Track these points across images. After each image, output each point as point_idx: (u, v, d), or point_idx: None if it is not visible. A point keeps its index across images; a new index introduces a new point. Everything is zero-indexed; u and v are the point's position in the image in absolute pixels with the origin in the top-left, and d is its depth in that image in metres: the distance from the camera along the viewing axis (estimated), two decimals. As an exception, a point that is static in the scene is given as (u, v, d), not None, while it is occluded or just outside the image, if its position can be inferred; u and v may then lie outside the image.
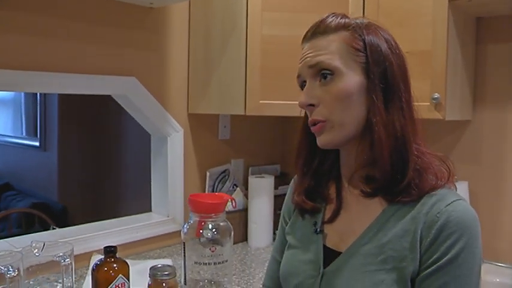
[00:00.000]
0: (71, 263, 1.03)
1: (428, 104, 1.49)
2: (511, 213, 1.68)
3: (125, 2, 1.63)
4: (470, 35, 1.68)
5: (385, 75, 0.82)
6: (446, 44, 1.47)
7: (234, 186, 2.04)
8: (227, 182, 2.02)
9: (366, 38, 0.83)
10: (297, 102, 0.87)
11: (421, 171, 0.81)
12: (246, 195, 1.99)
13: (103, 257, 1.15)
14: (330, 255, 0.87)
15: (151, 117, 1.78)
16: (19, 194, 3.95)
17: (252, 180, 1.95)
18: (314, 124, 0.85)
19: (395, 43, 0.86)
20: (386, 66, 0.82)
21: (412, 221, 0.79)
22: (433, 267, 0.77)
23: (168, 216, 1.88)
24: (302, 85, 0.88)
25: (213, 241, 1.22)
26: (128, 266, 1.18)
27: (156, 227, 1.83)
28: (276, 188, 2.01)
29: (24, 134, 4.28)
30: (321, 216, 0.92)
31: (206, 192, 1.98)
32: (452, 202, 0.78)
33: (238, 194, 1.96)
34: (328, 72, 0.82)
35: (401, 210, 0.82)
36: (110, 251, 1.15)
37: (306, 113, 0.90)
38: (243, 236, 1.96)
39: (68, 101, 3.66)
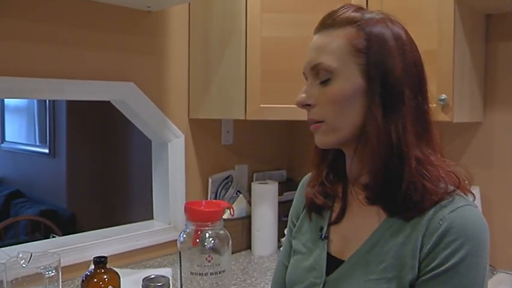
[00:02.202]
0: (57, 274, 0.99)
1: (435, 105, 1.43)
2: (526, 219, 1.60)
3: (121, 6, 1.60)
4: (479, 33, 1.61)
5: (386, 79, 0.76)
6: (453, 42, 1.41)
7: (238, 193, 1.99)
8: (230, 189, 1.98)
9: (371, 36, 0.77)
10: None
11: (423, 183, 0.75)
12: (249, 202, 1.94)
13: (93, 267, 1.11)
14: (333, 262, 0.84)
15: (151, 122, 1.75)
16: (29, 201, 3.96)
17: (255, 186, 1.89)
18: (311, 122, 0.83)
19: (409, 40, 0.80)
20: (387, 69, 0.76)
21: (414, 228, 0.75)
22: (429, 275, 0.71)
23: (169, 224, 1.84)
24: (307, 78, 0.85)
25: (210, 250, 1.18)
26: (119, 277, 1.14)
27: (156, 235, 1.79)
28: (281, 194, 1.96)
29: (37, 141, 4.30)
30: (327, 220, 0.89)
31: (209, 199, 1.94)
32: (457, 208, 0.73)
33: (241, 201, 1.92)
34: (325, 74, 0.79)
35: (403, 219, 0.77)
36: (100, 262, 1.11)
37: None
38: (246, 244, 1.91)
39: (76, 108, 3.66)
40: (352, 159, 0.84)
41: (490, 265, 1.60)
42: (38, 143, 4.26)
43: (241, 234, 1.90)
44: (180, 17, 1.80)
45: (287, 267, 0.96)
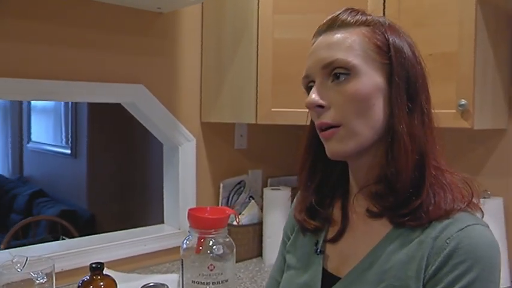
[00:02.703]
0: (50, 280, 0.97)
1: (454, 111, 1.35)
2: (554, 234, 1.49)
3: (132, 8, 1.58)
4: (504, 34, 1.51)
5: (410, 81, 0.72)
6: (474, 44, 1.32)
7: (250, 198, 1.94)
8: (242, 194, 1.93)
9: (389, 36, 0.73)
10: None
11: (436, 193, 0.70)
12: (262, 208, 1.89)
13: (89, 274, 1.08)
14: (328, 280, 0.78)
15: (161, 125, 1.72)
16: (51, 201, 4.02)
17: (267, 192, 1.84)
18: (323, 129, 0.74)
19: (417, 50, 0.76)
20: (411, 72, 0.72)
21: (419, 246, 0.68)
22: None
23: (179, 229, 1.81)
24: (308, 87, 0.77)
25: (213, 259, 1.14)
26: (116, 284, 1.11)
27: (165, 240, 1.76)
28: (293, 200, 1.90)
29: (64, 142, 4.36)
30: (323, 235, 0.83)
31: (220, 204, 1.90)
32: (466, 227, 0.66)
33: (252, 207, 1.87)
34: (343, 71, 0.72)
35: (408, 234, 0.70)
36: (96, 268, 1.08)
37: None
38: (257, 251, 1.86)
39: (97, 109, 3.70)
40: (360, 170, 0.77)
41: (513, 283, 1.51)
42: (64, 144, 4.32)
43: (252, 241, 1.85)
44: (192, 19, 1.77)
45: (279, 283, 0.90)
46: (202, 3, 1.75)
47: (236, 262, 1.80)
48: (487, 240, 0.66)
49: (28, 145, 5.05)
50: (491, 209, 1.50)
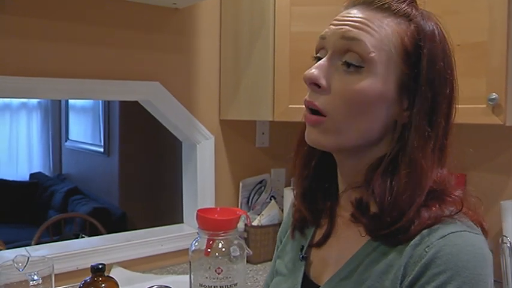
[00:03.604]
0: (49, 281, 0.95)
1: (485, 106, 1.24)
2: None
3: (146, 4, 1.55)
4: (543, 22, 1.39)
5: (434, 103, 0.64)
6: (507, 33, 1.21)
7: (272, 198, 1.88)
8: (263, 193, 1.88)
9: (426, 47, 0.63)
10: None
11: (425, 210, 0.62)
12: (282, 209, 1.83)
13: (91, 275, 1.06)
14: (309, 287, 0.73)
15: (178, 123, 1.69)
16: (84, 198, 4.11)
17: (287, 192, 1.78)
18: (310, 110, 0.67)
19: (451, 59, 0.67)
20: (438, 92, 0.64)
21: (398, 255, 0.61)
22: None
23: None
24: (318, 54, 0.68)
25: (222, 261, 1.09)
26: (118, 286, 1.07)
27: (184, 240, 1.73)
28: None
29: (100, 141, 4.45)
30: (308, 239, 0.78)
31: (239, 204, 1.85)
32: (449, 234, 0.58)
33: (272, 207, 1.81)
34: (356, 62, 0.63)
35: (389, 241, 0.63)
36: (98, 269, 1.05)
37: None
38: (277, 253, 1.79)
39: (128, 108, 3.74)
40: (345, 168, 0.71)
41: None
42: (99, 143, 4.41)
43: (273, 242, 1.79)
44: (209, 14, 1.73)
45: None
46: (219, -2, 1.71)
47: (255, 264, 1.77)
48: (472, 248, 0.58)
49: (66, 143, 5.20)
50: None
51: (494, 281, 1.36)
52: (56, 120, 5.51)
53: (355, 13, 0.65)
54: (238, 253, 1.11)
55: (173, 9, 1.62)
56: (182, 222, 1.88)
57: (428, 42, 0.64)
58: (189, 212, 1.83)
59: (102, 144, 4.15)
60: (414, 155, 0.62)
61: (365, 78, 0.62)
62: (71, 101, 5.00)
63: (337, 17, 0.67)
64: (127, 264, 1.59)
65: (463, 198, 0.64)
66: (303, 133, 0.73)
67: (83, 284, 1.05)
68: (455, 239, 0.58)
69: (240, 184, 1.84)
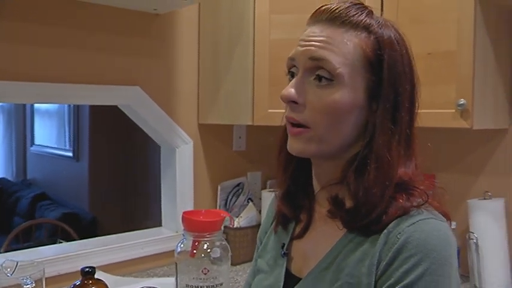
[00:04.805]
0: (40, 285, 0.95)
1: (454, 111, 1.32)
2: (557, 236, 1.46)
3: (128, 9, 1.57)
4: (505, 32, 1.49)
5: (397, 104, 0.71)
6: (474, 42, 1.30)
7: (249, 201, 1.92)
8: (241, 196, 1.91)
9: (386, 53, 0.70)
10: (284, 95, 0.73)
11: (396, 202, 0.68)
12: (260, 211, 1.87)
13: (80, 279, 1.07)
14: (291, 281, 0.79)
15: (158, 128, 1.71)
16: (53, 204, 4.03)
17: (265, 194, 1.83)
18: (291, 124, 0.73)
19: (410, 61, 0.74)
20: (400, 93, 0.71)
21: (373, 243, 0.68)
22: None
23: (176, 232, 1.79)
24: (291, 70, 0.75)
25: (208, 262, 1.12)
26: (108, 289, 1.09)
27: (163, 243, 1.74)
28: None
29: (66, 145, 4.37)
30: (289, 236, 0.84)
31: (218, 206, 1.88)
32: (418, 221, 0.66)
33: (250, 209, 1.85)
34: (327, 75, 0.69)
35: (364, 232, 0.70)
36: (87, 272, 1.07)
37: None
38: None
39: (98, 112, 3.70)
40: (321, 170, 0.77)
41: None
42: (66, 147, 4.33)
43: (251, 243, 1.83)
44: (189, 20, 1.75)
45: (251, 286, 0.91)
46: (199, 4, 1.74)
47: (234, 265, 1.80)
48: (438, 233, 0.65)
49: (31, 148, 5.07)
50: (492, 210, 1.48)
51: (462, 275, 1.45)
52: (19, 124, 5.36)
53: (319, 32, 0.71)
54: (223, 254, 1.15)
55: (154, 14, 1.64)
56: (153, 226, 1.88)
57: (388, 49, 0.70)
58: (168, 215, 1.85)
59: (71, 148, 4.07)
60: (380, 150, 0.69)
61: (336, 91, 0.69)
62: (36, 105, 4.88)
63: (303, 37, 0.73)
64: (107, 269, 1.59)
65: (428, 190, 0.71)
66: (282, 140, 0.81)
67: (73, 286, 1.06)
68: (424, 226, 0.65)
69: (219, 187, 1.87)
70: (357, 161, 0.71)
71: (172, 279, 1.56)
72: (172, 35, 1.72)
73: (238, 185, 1.93)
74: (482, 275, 1.46)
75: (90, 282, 1.06)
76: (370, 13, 0.73)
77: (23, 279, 0.91)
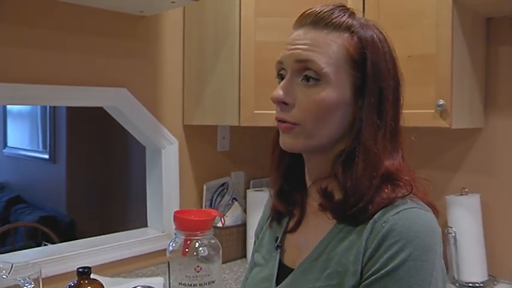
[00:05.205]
0: (37, 286, 0.96)
1: (433, 111, 1.39)
2: (529, 229, 1.55)
3: (114, 11, 1.57)
4: (480, 37, 1.57)
5: (381, 99, 0.75)
6: (451, 46, 1.37)
7: (233, 200, 1.95)
8: (226, 196, 1.94)
9: (369, 53, 0.74)
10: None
11: (381, 195, 0.72)
12: (245, 210, 1.90)
13: (76, 279, 1.08)
14: (285, 272, 0.82)
15: (144, 129, 1.72)
16: (29, 207, 3.95)
17: (250, 193, 1.86)
18: (281, 121, 0.77)
19: (393, 58, 0.78)
20: (384, 89, 0.75)
21: (360, 232, 0.72)
22: (370, 279, 0.68)
23: (163, 232, 1.80)
24: (280, 72, 0.79)
25: (200, 260, 1.14)
26: (104, 289, 1.10)
27: (150, 244, 1.76)
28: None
29: (41, 147, 4.29)
30: (283, 229, 0.87)
31: (203, 206, 1.90)
32: (402, 210, 0.69)
33: (235, 209, 1.88)
34: (313, 75, 0.73)
35: (352, 221, 0.74)
36: (83, 272, 1.08)
37: None
38: (241, 253, 1.87)
39: (76, 114, 3.65)
40: (312, 164, 0.81)
41: (491, 275, 1.57)
42: (40, 149, 4.25)
43: (237, 242, 1.86)
44: (175, 22, 1.77)
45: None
46: (184, 6, 1.76)
47: (221, 263, 1.81)
48: (421, 221, 0.69)
49: (4, 150, 4.95)
50: (469, 205, 1.55)
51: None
52: (-9, 126, 5.22)
53: (303, 35, 0.75)
54: (215, 252, 1.17)
55: (140, 16, 1.65)
56: (133, 228, 1.88)
57: (370, 47, 0.74)
58: (154, 215, 1.86)
59: (47, 150, 4.00)
60: (367, 144, 0.73)
61: (323, 89, 0.73)
62: (8, 106, 4.77)
63: (289, 41, 0.78)
64: (94, 270, 1.59)
65: (413, 182, 0.75)
66: (274, 142, 0.85)
67: (69, 287, 1.07)
68: (408, 214, 0.69)
69: (204, 187, 1.89)
70: (345, 154, 0.75)
71: (160, 279, 1.59)
72: (157, 37, 1.73)
73: (223, 184, 1.96)
74: (460, 266, 1.53)
75: (86, 282, 1.07)
76: (352, 14, 0.77)
77: (22, 280, 0.92)
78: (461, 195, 1.58)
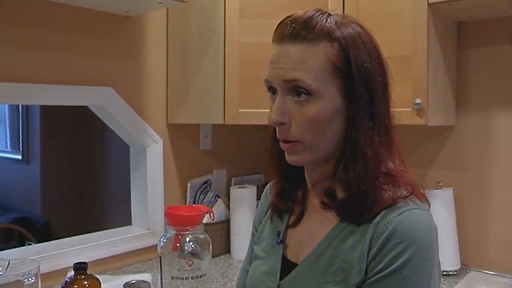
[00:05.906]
0: (36, 281, 0.98)
1: (410, 109, 1.47)
2: (498, 219, 1.65)
3: (99, 11, 1.59)
4: (452, 39, 1.66)
5: (371, 97, 0.76)
6: (427, 48, 1.45)
7: (216, 197, 1.99)
8: (209, 193, 1.98)
9: (352, 55, 0.74)
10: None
11: (382, 195, 0.76)
12: (228, 207, 1.95)
13: (73, 274, 1.10)
14: (288, 266, 0.85)
15: (129, 128, 1.74)
16: (1, 209, 3.86)
17: (234, 190, 1.90)
18: (284, 141, 0.80)
19: (381, 53, 0.79)
20: (372, 85, 0.76)
21: (364, 232, 0.75)
22: (375, 278, 0.72)
23: (148, 230, 1.83)
24: (270, 89, 0.81)
25: (191, 254, 1.18)
26: (100, 283, 1.13)
27: (135, 241, 1.78)
28: (259, 198, 1.96)
29: (9, 147, 4.20)
30: (284, 224, 0.90)
31: (187, 203, 1.93)
32: (404, 211, 0.73)
33: (219, 205, 1.92)
34: (304, 91, 0.75)
35: (355, 223, 0.78)
36: (80, 268, 1.10)
37: None
38: (225, 248, 1.91)
39: (50, 113, 3.60)
40: (313, 171, 0.84)
41: (463, 264, 1.66)
42: (9, 149, 4.16)
43: (221, 238, 1.91)
44: (160, 22, 1.80)
45: (248, 272, 0.96)
46: (168, 7, 1.78)
47: (206, 259, 1.85)
48: (422, 222, 0.72)
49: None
50: (443, 199, 1.64)
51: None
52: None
53: (285, 53, 0.76)
54: (205, 246, 1.21)
55: (124, 16, 1.67)
56: (112, 228, 1.89)
57: (352, 49, 0.75)
58: (139, 213, 1.87)
59: (21, 151, 3.92)
60: (363, 147, 0.76)
61: (315, 104, 0.75)
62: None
63: (272, 59, 0.78)
64: (81, 268, 1.60)
65: (413, 182, 0.79)
66: (271, 138, 0.87)
67: (65, 282, 1.09)
68: (410, 215, 0.72)
69: (188, 184, 1.93)
70: (345, 159, 0.78)
71: (147, 275, 1.61)
72: (142, 37, 1.75)
73: (206, 182, 2.00)
74: (436, 257, 1.62)
75: (83, 277, 1.09)
76: (328, 16, 0.77)
77: (23, 275, 0.93)
78: (435, 189, 1.66)
